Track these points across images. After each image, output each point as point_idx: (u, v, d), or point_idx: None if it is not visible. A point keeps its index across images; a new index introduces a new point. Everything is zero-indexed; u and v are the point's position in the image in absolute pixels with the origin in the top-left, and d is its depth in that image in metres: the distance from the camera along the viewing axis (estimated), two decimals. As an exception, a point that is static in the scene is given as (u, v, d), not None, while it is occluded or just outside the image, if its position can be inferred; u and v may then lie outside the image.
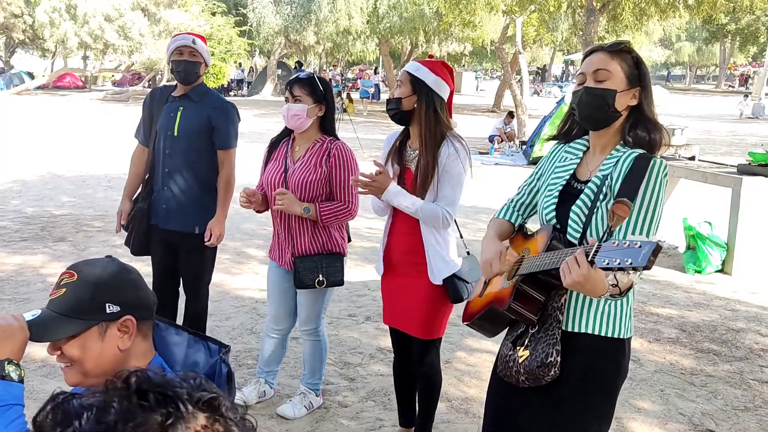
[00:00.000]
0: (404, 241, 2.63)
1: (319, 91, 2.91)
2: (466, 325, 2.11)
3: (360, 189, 2.53)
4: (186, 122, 3.30)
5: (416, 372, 2.78)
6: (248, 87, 32.79)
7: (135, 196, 3.55)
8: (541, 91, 35.33)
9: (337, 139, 2.99)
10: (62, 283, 1.43)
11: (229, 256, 5.86)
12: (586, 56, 1.89)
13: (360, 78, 27.58)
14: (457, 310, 2.62)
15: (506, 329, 2.03)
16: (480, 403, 3.37)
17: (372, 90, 24.89)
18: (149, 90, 3.86)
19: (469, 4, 12.37)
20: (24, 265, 5.38)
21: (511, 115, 15.30)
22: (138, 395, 0.80)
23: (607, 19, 14.43)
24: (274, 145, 3.11)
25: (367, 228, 7.12)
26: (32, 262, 5.44)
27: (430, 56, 3.05)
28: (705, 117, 24.47)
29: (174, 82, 3.49)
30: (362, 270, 5.54)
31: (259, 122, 17.92)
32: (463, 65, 39.76)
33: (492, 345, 4.07)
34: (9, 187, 8.63)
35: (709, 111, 27.88)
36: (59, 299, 1.41)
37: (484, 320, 2.01)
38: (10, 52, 34.80)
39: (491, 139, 14.47)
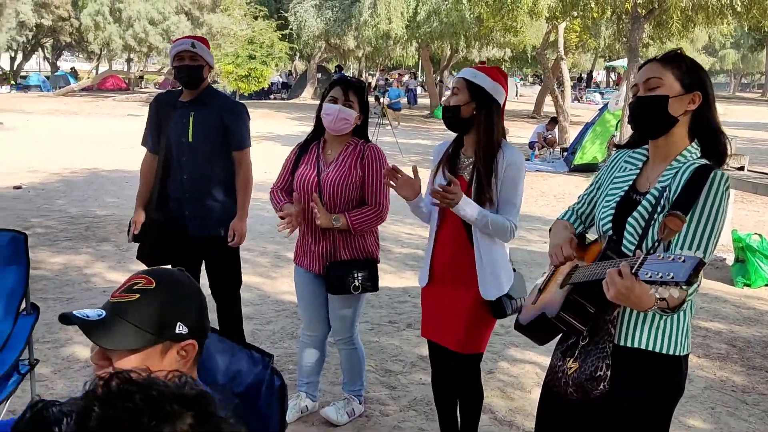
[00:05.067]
0: (451, 252, 2.55)
1: (366, 101, 2.91)
2: (517, 330, 2.07)
3: (433, 200, 2.40)
4: (199, 126, 3.27)
5: (456, 387, 2.71)
6: (288, 90, 33.12)
7: (147, 205, 3.45)
8: (581, 97, 34.85)
9: (369, 141, 2.96)
10: (136, 287, 1.28)
11: (268, 260, 5.88)
12: (639, 69, 1.88)
13: (388, 88, 27.37)
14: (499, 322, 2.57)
15: (558, 338, 1.98)
16: (524, 415, 3.29)
17: (403, 100, 24.63)
18: (154, 97, 3.78)
19: (512, 10, 12.22)
20: (68, 264, 5.48)
21: (554, 121, 15.09)
22: (121, 398, 0.76)
23: (653, 26, 14.12)
24: (303, 147, 3.06)
25: (406, 234, 7.08)
26: (77, 262, 5.54)
27: (482, 62, 3.00)
28: (751, 126, 23.79)
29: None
30: (402, 276, 5.50)
31: (297, 126, 18.06)
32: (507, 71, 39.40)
33: (536, 355, 3.98)
34: (55, 187, 8.84)
35: (755, 119, 27.09)
36: (130, 305, 1.27)
37: (534, 327, 1.97)
38: (56, 55, 35.79)
39: (531, 145, 14.29)
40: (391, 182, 2.53)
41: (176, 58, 3.23)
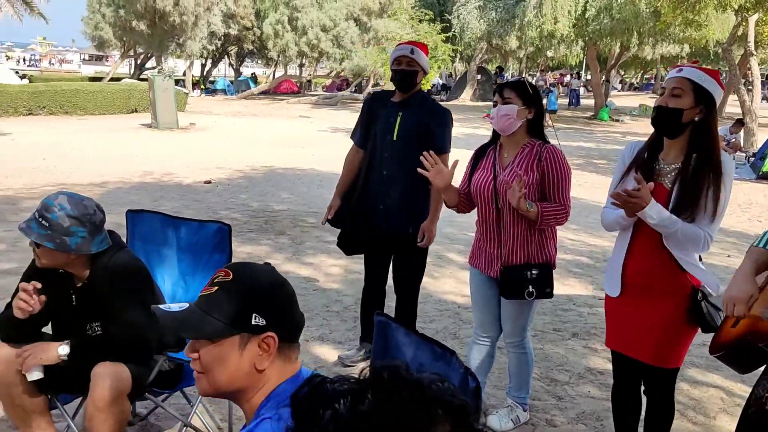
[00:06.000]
0: (647, 262, 2.40)
1: (528, 94, 2.83)
2: (714, 356, 1.91)
3: (613, 202, 2.29)
4: (405, 127, 3.44)
5: (647, 402, 2.57)
6: (447, 92, 33.36)
7: (346, 194, 3.73)
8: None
9: (547, 142, 2.89)
10: (216, 280, 1.32)
11: (430, 259, 5.94)
12: None
13: (552, 89, 26.47)
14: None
15: (764, 367, 1.81)
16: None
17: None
18: (368, 94, 4.04)
19: (696, 3, 11.30)
20: (252, 254, 5.98)
21: (740, 123, 13.77)
22: (392, 391, 0.79)
23: None
24: (480, 153, 3.07)
25: (570, 240, 6.86)
26: (258, 252, 6.02)
27: (695, 61, 2.81)
28: None
29: (391, 87, 3.64)
30: (565, 283, 5.34)
31: (456, 127, 18.11)
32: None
33: (721, 379, 3.68)
34: (238, 183, 9.67)
35: None
36: (208, 297, 1.31)
37: (735, 353, 1.81)
38: (240, 61, 39.02)
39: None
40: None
41: (395, 62, 3.43)
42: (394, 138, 3.46)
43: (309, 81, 37.63)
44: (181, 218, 2.96)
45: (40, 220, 2.19)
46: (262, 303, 1.29)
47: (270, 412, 1.26)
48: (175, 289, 2.94)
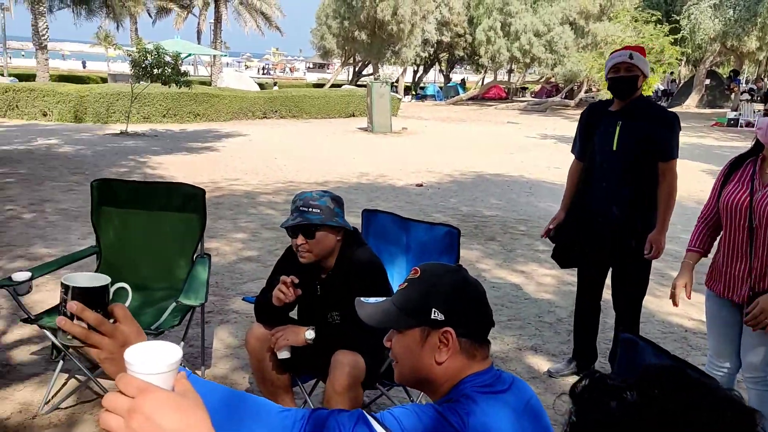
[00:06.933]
0: None
1: None
2: None
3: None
4: (625, 136, 3.27)
5: None
6: (669, 99, 30.85)
7: (569, 207, 3.63)
8: None
9: None
10: (408, 278, 1.44)
11: (651, 277, 5.56)
12: None
13: None
14: None
15: None
16: None
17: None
18: (584, 104, 3.89)
19: None
20: (463, 258, 5.95)
21: None
22: (677, 387, 0.78)
23: None
24: (735, 164, 2.77)
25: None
26: (468, 256, 6.07)
27: None
28: None
29: (607, 95, 3.47)
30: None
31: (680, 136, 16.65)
32: None
33: None
34: (448, 187, 9.86)
35: None
36: (399, 291, 1.43)
37: None
38: (450, 68, 39.85)
39: None
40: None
41: (612, 70, 3.29)
42: (614, 148, 3.31)
43: (524, 88, 37.23)
44: (412, 219, 3.08)
45: (310, 209, 2.42)
46: (442, 299, 1.36)
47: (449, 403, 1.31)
48: (401, 287, 3.07)
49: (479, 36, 27.48)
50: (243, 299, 3.85)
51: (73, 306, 0.99)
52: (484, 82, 35.59)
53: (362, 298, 1.49)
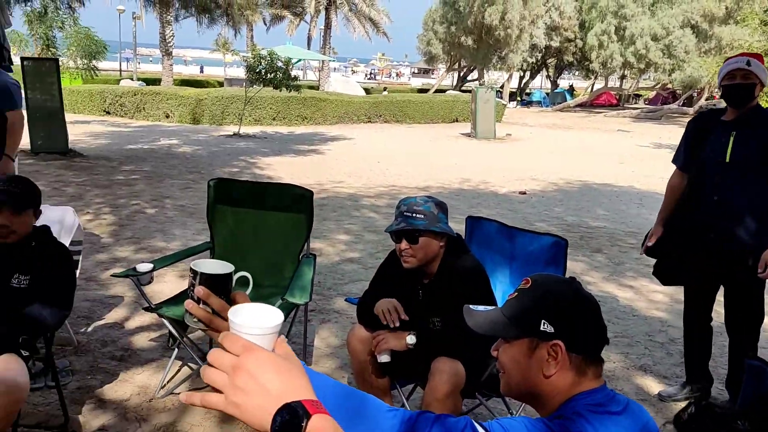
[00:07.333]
0: None
1: None
2: None
3: None
4: (740, 147, 3.07)
5: None
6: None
7: (668, 221, 3.43)
8: None
9: None
10: (518, 287, 1.41)
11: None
12: None
13: None
14: None
15: None
16: None
17: None
18: (695, 113, 3.66)
19: None
20: (567, 269, 5.85)
21: None
22: None
23: None
24: None
25: None
26: (573, 268, 5.87)
27: None
28: None
29: (721, 105, 3.24)
30: None
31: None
32: None
33: None
34: (553, 196, 9.59)
35: None
36: (509, 301, 1.41)
37: None
38: (557, 74, 38.81)
39: None
40: None
41: (727, 77, 3.10)
42: (727, 160, 3.10)
43: (637, 95, 35.66)
44: (517, 228, 3.02)
45: (414, 215, 2.44)
46: (552, 311, 1.32)
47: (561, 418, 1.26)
48: (503, 296, 3.02)
49: (591, 40, 26.60)
50: (345, 300, 3.93)
51: (200, 291, 1.05)
52: (594, 88, 34.35)
53: (471, 306, 1.47)
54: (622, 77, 33.70)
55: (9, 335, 2.38)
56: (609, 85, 33.72)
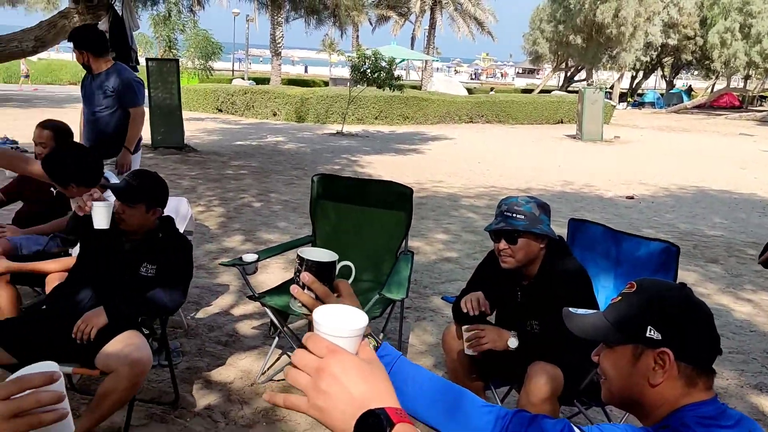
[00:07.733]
0: None
1: None
2: None
3: None
4: None
5: None
6: None
7: None
8: None
9: None
10: (622, 291, 1.35)
11: None
12: None
13: None
14: None
15: None
16: None
17: None
18: None
19: None
20: (678, 278, 5.53)
21: None
22: None
23: None
24: None
25: None
26: (685, 277, 5.53)
27: None
28: None
29: None
30: None
31: None
32: None
33: None
34: (664, 201, 9.10)
35: None
36: (612, 305, 1.35)
37: None
38: (674, 73, 36.74)
39: None
40: None
41: None
42: None
43: (762, 96, 33.17)
44: (623, 233, 2.90)
45: (514, 215, 2.39)
46: (660, 318, 1.26)
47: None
48: (606, 302, 2.90)
49: (712, 38, 24.99)
50: (442, 298, 3.92)
51: (306, 277, 1.10)
52: (714, 89, 32.25)
53: (571, 309, 1.42)
54: (746, 77, 31.40)
55: (133, 316, 2.59)
56: (731, 86, 31.50)
